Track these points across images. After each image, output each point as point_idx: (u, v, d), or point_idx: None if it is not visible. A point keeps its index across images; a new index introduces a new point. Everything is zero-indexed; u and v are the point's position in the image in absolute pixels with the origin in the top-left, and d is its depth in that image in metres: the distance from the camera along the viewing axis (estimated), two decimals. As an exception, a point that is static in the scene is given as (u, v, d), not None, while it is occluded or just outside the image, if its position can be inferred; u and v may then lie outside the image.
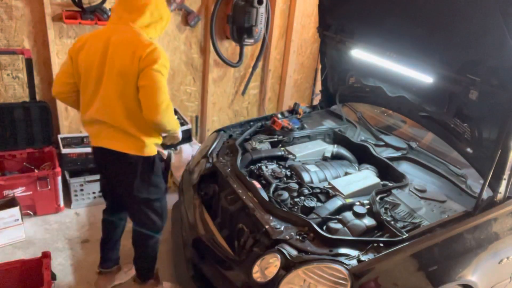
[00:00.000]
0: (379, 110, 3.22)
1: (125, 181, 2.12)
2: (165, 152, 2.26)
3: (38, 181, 2.93)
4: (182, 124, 3.56)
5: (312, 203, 2.08)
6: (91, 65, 1.96)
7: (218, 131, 2.82)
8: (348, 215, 1.95)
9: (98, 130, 2.04)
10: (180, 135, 2.20)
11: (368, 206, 2.02)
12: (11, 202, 2.77)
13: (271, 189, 2.16)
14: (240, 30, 3.59)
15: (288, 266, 1.71)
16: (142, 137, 2.01)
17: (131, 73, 1.89)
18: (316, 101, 4.02)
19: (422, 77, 2.21)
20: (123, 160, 2.04)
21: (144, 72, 1.87)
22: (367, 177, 2.33)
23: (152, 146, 2.07)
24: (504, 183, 1.88)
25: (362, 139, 2.76)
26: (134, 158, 2.03)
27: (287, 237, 1.82)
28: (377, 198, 2.08)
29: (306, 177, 2.29)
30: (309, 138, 2.79)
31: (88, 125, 2.09)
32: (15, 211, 2.71)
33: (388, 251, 1.71)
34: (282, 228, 1.87)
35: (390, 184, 2.29)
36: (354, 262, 1.68)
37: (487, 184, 1.86)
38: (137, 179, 2.09)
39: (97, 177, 3.16)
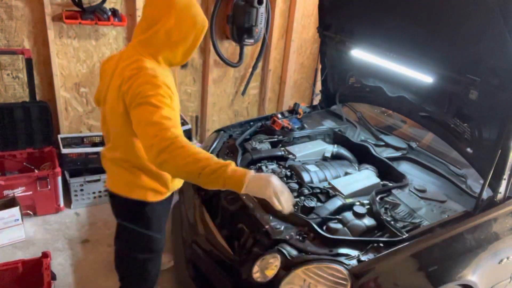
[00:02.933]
0: (379, 110, 3.22)
1: None
2: None
3: (38, 181, 2.92)
4: (182, 124, 3.59)
5: (312, 203, 2.07)
6: None
7: (218, 131, 2.82)
8: (348, 215, 1.95)
9: None
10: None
11: (368, 206, 2.02)
12: (11, 202, 2.77)
13: (271, 189, 2.16)
14: (240, 30, 3.59)
15: (288, 266, 1.71)
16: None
17: None
18: (316, 101, 4.02)
19: (422, 77, 2.21)
20: None
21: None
22: (367, 177, 2.33)
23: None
24: (504, 183, 1.88)
25: (362, 139, 2.76)
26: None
27: (287, 237, 1.82)
28: (377, 198, 2.08)
29: (306, 177, 2.29)
30: (309, 138, 2.79)
31: None
32: (15, 211, 2.71)
33: (388, 251, 1.71)
34: (282, 228, 1.86)
35: (390, 184, 2.29)
36: (354, 262, 1.68)
37: (487, 184, 1.86)
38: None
39: (97, 177, 3.18)
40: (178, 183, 1.78)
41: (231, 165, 1.37)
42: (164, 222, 1.83)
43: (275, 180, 1.43)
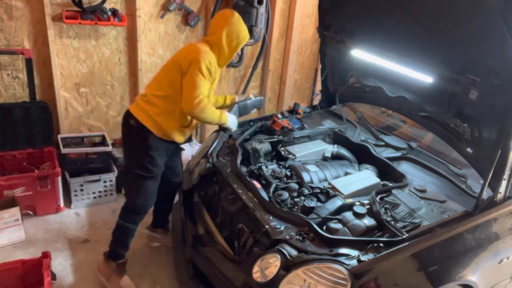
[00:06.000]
0: (379, 110, 3.22)
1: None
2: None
3: (38, 181, 2.92)
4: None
5: (312, 203, 2.08)
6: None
7: (218, 131, 2.82)
8: (348, 215, 1.95)
9: None
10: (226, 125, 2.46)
11: (368, 206, 2.02)
12: (11, 202, 2.77)
13: (271, 189, 2.16)
14: (240, 30, 3.59)
15: (288, 266, 1.71)
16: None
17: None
18: (316, 101, 4.02)
19: (422, 77, 2.21)
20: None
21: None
22: (367, 177, 2.33)
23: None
24: (504, 183, 1.88)
25: (362, 139, 2.76)
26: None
27: (287, 237, 1.82)
28: (377, 198, 2.08)
29: (306, 177, 2.29)
30: (309, 138, 2.79)
31: None
32: (15, 211, 2.71)
33: (388, 251, 1.71)
34: (282, 228, 1.87)
35: (390, 184, 2.29)
36: (354, 262, 1.68)
37: (487, 184, 1.86)
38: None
39: (97, 177, 3.18)
40: (172, 135, 2.31)
41: (223, 115, 2.37)
42: (160, 156, 2.32)
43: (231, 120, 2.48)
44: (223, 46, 2.26)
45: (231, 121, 2.45)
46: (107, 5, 3.11)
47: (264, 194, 2.08)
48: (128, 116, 2.29)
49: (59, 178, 3.01)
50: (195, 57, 2.16)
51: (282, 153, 2.55)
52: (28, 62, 2.98)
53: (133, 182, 2.34)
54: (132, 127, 2.27)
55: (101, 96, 3.46)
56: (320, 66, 3.26)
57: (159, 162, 2.32)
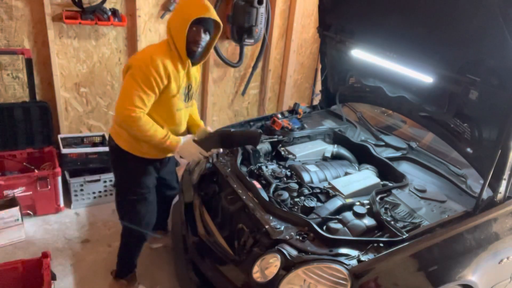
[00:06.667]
0: (379, 110, 3.22)
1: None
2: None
3: (38, 181, 2.92)
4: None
5: (312, 203, 2.07)
6: None
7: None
8: (348, 215, 1.95)
9: None
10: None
11: (368, 206, 2.02)
12: (11, 202, 2.77)
13: (271, 189, 2.16)
14: (240, 30, 3.59)
15: (288, 266, 1.71)
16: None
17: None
18: (316, 101, 4.02)
19: (422, 77, 2.21)
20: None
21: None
22: (367, 177, 2.33)
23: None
24: (504, 183, 1.88)
25: (362, 139, 2.76)
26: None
27: (287, 237, 1.82)
28: (377, 198, 2.08)
29: (306, 177, 2.29)
30: (309, 138, 2.79)
31: None
32: (15, 211, 2.71)
33: (388, 251, 1.71)
34: (282, 228, 1.87)
35: (390, 184, 2.29)
36: (354, 262, 1.68)
37: (487, 184, 1.86)
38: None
39: (97, 177, 3.17)
40: (150, 153, 2.14)
41: (172, 141, 1.99)
42: (145, 176, 2.19)
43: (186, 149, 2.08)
44: (171, 34, 1.91)
45: (183, 150, 2.04)
46: (107, 5, 3.11)
47: (264, 194, 2.08)
48: (109, 138, 2.20)
49: (59, 178, 3.01)
50: (132, 62, 1.88)
51: (282, 153, 2.55)
52: (28, 62, 2.98)
53: (125, 206, 2.25)
54: (113, 150, 2.18)
55: (101, 96, 3.46)
56: (320, 66, 3.26)
57: (146, 182, 2.20)
